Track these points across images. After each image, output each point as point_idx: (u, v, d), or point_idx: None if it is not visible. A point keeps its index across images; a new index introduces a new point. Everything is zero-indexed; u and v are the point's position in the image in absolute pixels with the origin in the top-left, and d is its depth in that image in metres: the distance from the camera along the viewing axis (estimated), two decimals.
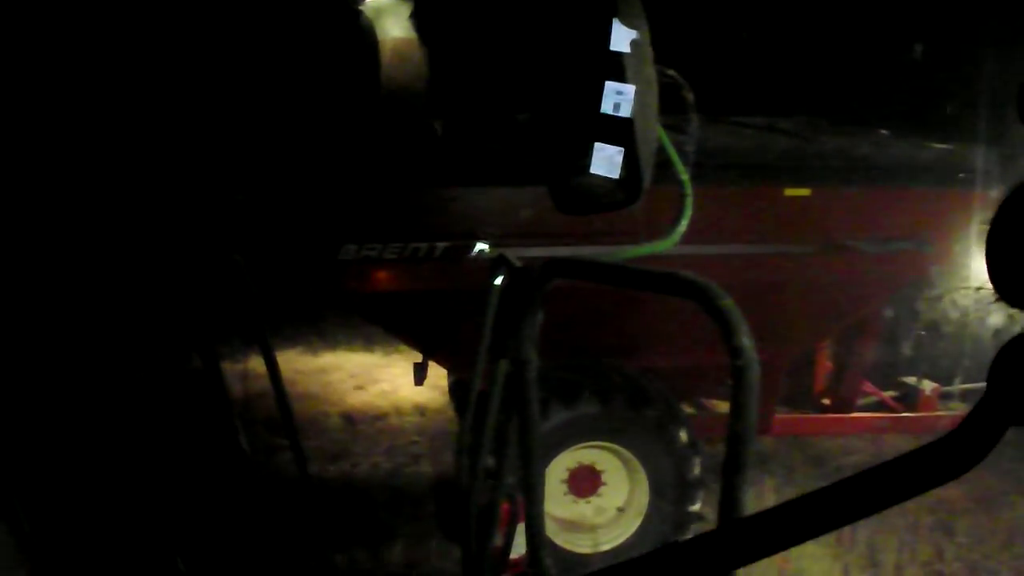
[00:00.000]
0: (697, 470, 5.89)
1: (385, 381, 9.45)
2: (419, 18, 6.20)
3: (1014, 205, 1.11)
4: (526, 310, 2.75)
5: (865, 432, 7.30)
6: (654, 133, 2.88)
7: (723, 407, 6.93)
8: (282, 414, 3.83)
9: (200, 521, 5.02)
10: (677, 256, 4.93)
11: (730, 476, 1.86)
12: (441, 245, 5.47)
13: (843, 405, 6.97)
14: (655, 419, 5.83)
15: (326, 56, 5.57)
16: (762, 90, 7.54)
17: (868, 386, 7.07)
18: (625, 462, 6.01)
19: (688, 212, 3.48)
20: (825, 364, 7.15)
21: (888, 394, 7.08)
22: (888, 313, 6.79)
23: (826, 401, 7.11)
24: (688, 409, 6.64)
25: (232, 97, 5.44)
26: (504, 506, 3.46)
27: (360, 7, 5.74)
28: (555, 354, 5.65)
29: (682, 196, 3.49)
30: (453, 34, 6.56)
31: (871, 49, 8.00)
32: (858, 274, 6.09)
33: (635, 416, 5.83)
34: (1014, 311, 1.15)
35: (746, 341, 1.89)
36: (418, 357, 6.47)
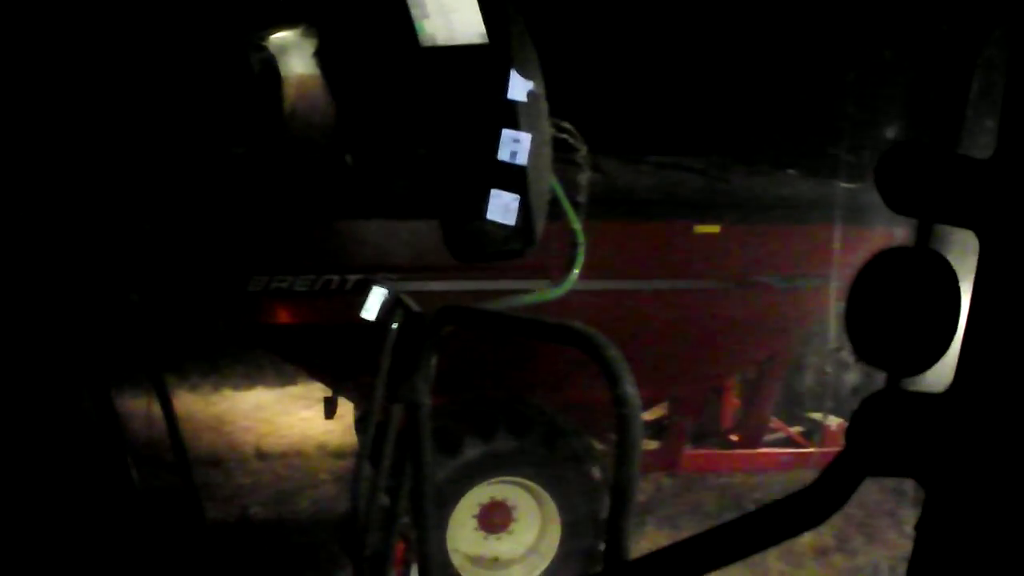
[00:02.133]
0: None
1: (296, 416, 9.34)
2: (323, 55, 6.23)
3: (871, 272, 1.20)
4: (420, 354, 2.80)
5: (772, 468, 7.32)
6: (547, 183, 2.95)
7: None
8: (175, 452, 3.82)
9: (86, 554, 4.93)
10: (588, 291, 5.03)
11: (615, 520, 1.91)
12: (352, 278, 5.46)
13: (751, 441, 7.01)
14: (570, 455, 5.84)
15: (230, 90, 5.57)
16: (675, 130, 7.61)
17: (776, 422, 7.13)
18: (538, 498, 5.99)
19: (580, 260, 3.55)
20: (734, 400, 7.19)
21: (795, 429, 7.16)
22: (796, 349, 6.88)
23: (735, 437, 7.15)
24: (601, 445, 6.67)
25: (140, 126, 5.41)
26: (400, 545, 3.48)
27: (264, 43, 5.75)
28: (469, 389, 5.71)
29: (574, 245, 3.55)
30: (357, 71, 6.58)
31: (783, 90, 8.11)
32: (767, 310, 6.20)
33: (550, 452, 5.82)
34: (870, 369, 1.24)
35: (630, 390, 1.95)
36: (328, 392, 6.45)
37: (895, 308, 1.19)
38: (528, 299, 3.32)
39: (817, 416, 7.19)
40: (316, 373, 6.58)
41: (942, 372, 1.21)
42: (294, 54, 5.98)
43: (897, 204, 1.18)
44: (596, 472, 5.86)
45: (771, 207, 6.13)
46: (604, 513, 5.77)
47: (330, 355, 5.95)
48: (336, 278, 5.47)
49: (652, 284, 5.89)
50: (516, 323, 2.54)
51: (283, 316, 5.58)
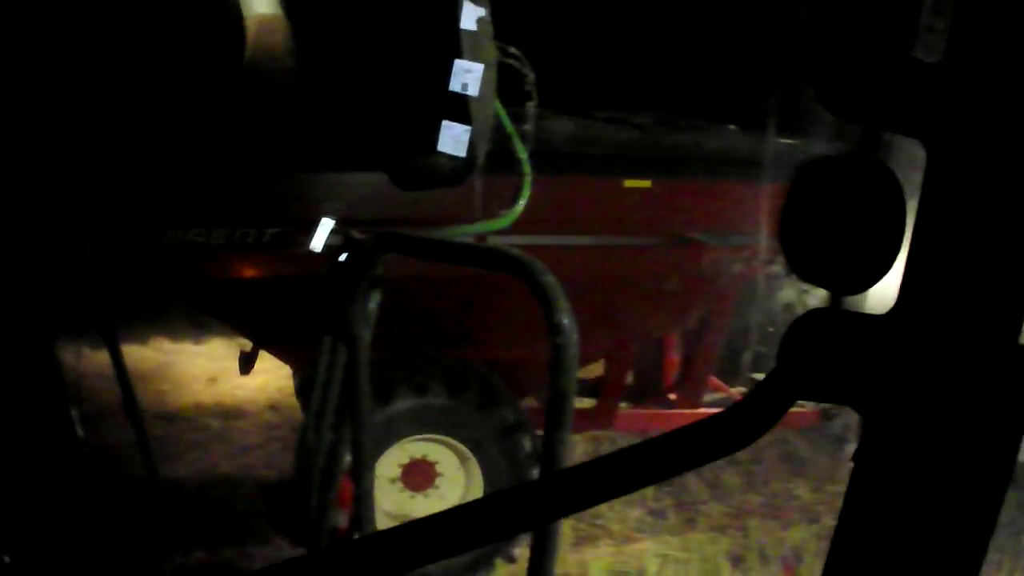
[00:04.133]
0: (528, 447, 5.80)
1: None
2: None
3: (808, 180, 1.13)
4: (357, 283, 2.72)
5: None
6: (491, 110, 2.88)
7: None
8: (127, 406, 3.74)
9: (30, 513, 4.84)
10: (517, 246, 4.95)
11: (551, 433, 1.89)
12: (270, 231, 5.36)
13: (690, 401, 6.94)
14: (503, 423, 5.72)
15: (187, 31, 5.43)
16: (619, 85, 7.56)
17: (715, 382, 7.11)
18: (464, 462, 5.87)
19: (527, 191, 3.48)
20: (672, 360, 7.10)
21: (736, 390, 7.11)
22: (736, 307, 6.83)
23: (672, 397, 7.09)
24: (533, 402, 6.63)
25: (77, 71, 5.27)
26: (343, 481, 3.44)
27: None
28: (406, 345, 5.62)
29: (520, 175, 3.48)
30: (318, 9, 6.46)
31: (729, 45, 8.08)
32: (702, 267, 6.11)
33: (483, 416, 5.70)
34: (805, 286, 1.16)
35: (566, 319, 1.90)
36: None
37: (835, 220, 1.11)
38: (471, 229, 3.25)
39: (759, 376, 7.13)
40: (237, 328, 6.43)
41: (884, 292, 1.14)
42: None
43: (837, 107, 1.10)
44: (527, 444, 5.73)
45: (703, 162, 6.06)
46: (524, 452, 5.77)
47: (249, 309, 5.84)
48: (253, 231, 5.36)
49: (583, 239, 5.78)
50: (452, 249, 2.48)
51: (202, 270, 5.48)
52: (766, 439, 1.19)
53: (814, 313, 1.14)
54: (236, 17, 5.48)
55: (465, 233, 3.27)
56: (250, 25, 5.56)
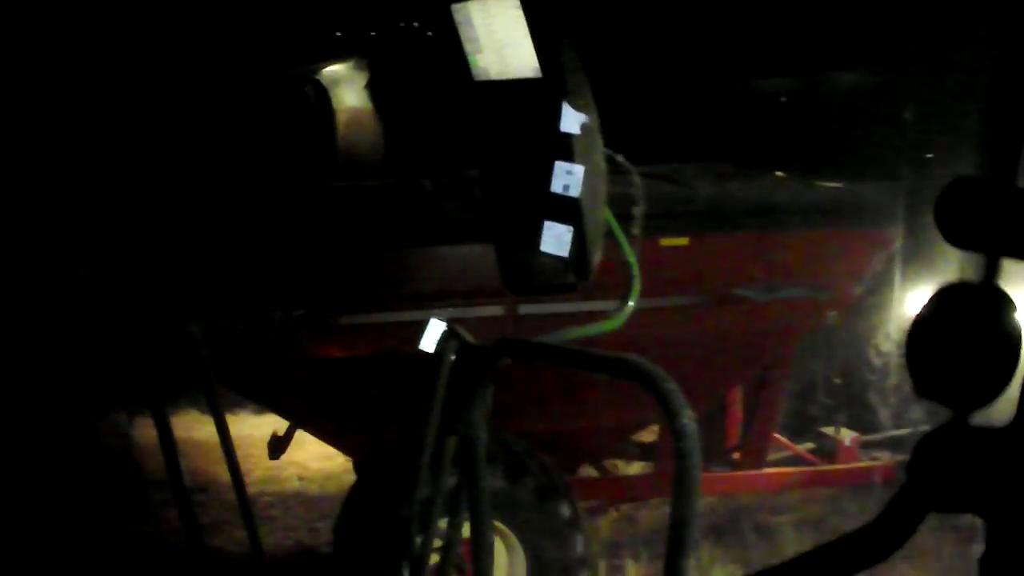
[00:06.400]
0: (580, 548, 5.36)
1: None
2: (375, 88, 6.27)
3: (933, 307, 1.21)
4: (476, 387, 2.80)
5: (779, 487, 7.01)
6: (601, 215, 2.96)
7: (626, 468, 6.81)
8: (236, 489, 3.87)
9: None
10: (552, 315, 4.86)
11: (673, 558, 1.89)
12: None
13: (754, 460, 6.49)
14: (534, 491, 5.32)
15: (284, 124, 5.61)
16: (675, 138, 7.37)
17: (779, 439, 6.80)
18: (503, 538, 5.38)
19: (636, 292, 3.53)
20: (734, 420, 6.70)
21: (805, 446, 6.86)
22: (799, 362, 6.54)
23: (736, 456, 6.64)
24: (592, 472, 6.40)
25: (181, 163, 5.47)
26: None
27: (315, 76, 5.80)
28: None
29: (630, 278, 3.51)
30: (409, 104, 6.61)
31: (778, 90, 7.88)
32: (750, 325, 5.78)
33: (513, 488, 5.27)
34: (932, 404, 1.23)
35: (688, 423, 1.95)
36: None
37: (957, 343, 1.19)
38: (583, 332, 3.31)
39: (829, 431, 6.88)
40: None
41: (1004, 406, 1.21)
42: (346, 87, 6.02)
43: (957, 238, 1.18)
44: (565, 510, 5.33)
45: (745, 214, 5.70)
46: (575, 553, 5.37)
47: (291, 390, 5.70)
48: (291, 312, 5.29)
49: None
50: (574, 356, 2.54)
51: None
52: None
53: (941, 429, 1.21)
54: (327, 110, 5.68)
55: (577, 336, 3.31)
56: (340, 117, 5.75)
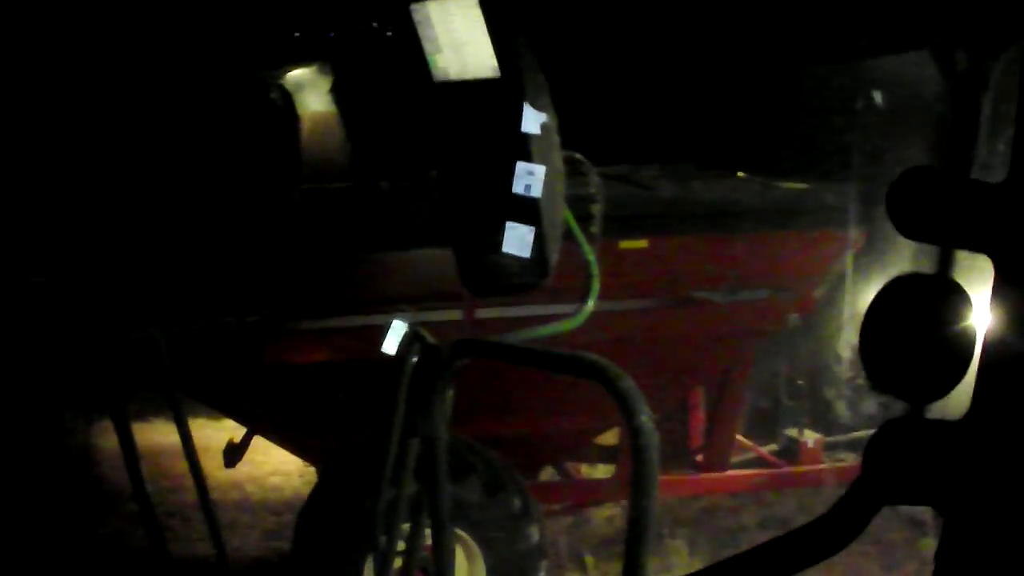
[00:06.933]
0: (536, 537, 5.29)
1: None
2: (338, 91, 6.25)
3: (885, 299, 1.20)
4: (435, 387, 2.79)
5: (743, 490, 6.98)
6: (561, 214, 2.95)
7: (588, 472, 6.76)
8: (200, 495, 3.84)
9: None
10: (513, 318, 4.76)
11: (631, 552, 1.89)
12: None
13: (717, 463, 6.47)
14: (509, 511, 5.23)
15: (245, 130, 5.58)
16: (635, 138, 7.31)
17: (743, 441, 6.76)
18: (468, 552, 5.30)
19: (595, 292, 3.51)
20: (696, 422, 6.65)
21: (768, 448, 6.84)
22: (760, 364, 6.49)
23: (700, 459, 6.62)
24: (552, 476, 6.41)
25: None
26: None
27: (280, 81, 5.78)
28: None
29: (588, 277, 3.50)
30: (372, 107, 6.58)
31: (744, 90, 7.82)
32: (711, 327, 5.79)
33: (488, 505, 5.19)
34: (885, 397, 1.23)
35: (645, 421, 1.94)
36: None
37: (910, 336, 1.18)
38: (542, 332, 3.30)
39: (792, 433, 6.83)
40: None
41: (959, 399, 1.21)
42: (310, 91, 6.00)
43: (910, 230, 1.18)
44: (535, 534, 5.26)
45: (704, 215, 5.67)
46: (531, 543, 5.29)
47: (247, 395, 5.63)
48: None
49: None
50: (531, 355, 2.54)
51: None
52: None
53: (895, 422, 1.21)
54: (292, 115, 5.67)
55: (536, 336, 3.29)
56: (304, 122, 5.74)
